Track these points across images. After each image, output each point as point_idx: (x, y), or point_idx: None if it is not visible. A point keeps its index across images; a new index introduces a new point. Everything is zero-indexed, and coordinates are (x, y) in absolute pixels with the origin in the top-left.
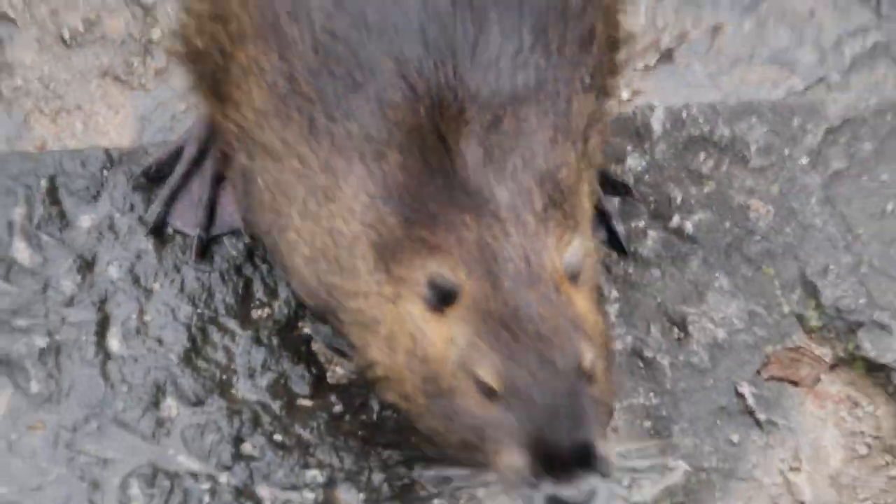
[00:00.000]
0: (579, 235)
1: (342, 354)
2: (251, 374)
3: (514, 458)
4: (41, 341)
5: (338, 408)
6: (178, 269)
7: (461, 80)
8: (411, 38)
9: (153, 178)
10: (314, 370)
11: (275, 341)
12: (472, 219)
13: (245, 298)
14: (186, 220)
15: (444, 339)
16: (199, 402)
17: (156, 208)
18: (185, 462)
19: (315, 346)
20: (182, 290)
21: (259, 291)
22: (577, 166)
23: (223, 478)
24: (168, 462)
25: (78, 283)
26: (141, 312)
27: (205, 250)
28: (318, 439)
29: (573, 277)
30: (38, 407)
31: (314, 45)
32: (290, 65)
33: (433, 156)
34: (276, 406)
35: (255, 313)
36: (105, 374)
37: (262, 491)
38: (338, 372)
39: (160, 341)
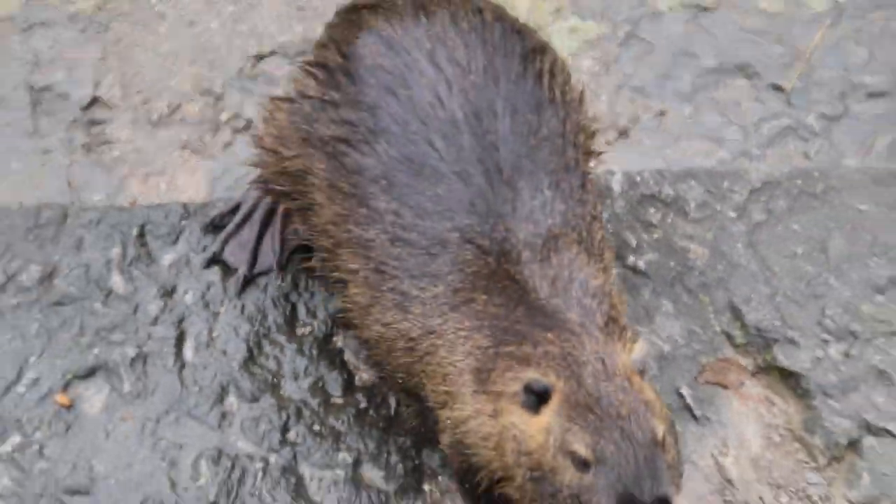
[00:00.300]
0: (641, 340)
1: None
2: (295, 378)
3: None
4: (132, 352)
5: (363, 404)
6: (238, 297)
7: (512, 233)
8: (465, 213)
9: (217, 225)
10: (345, 375)
11: (314, 352)
12: (554, 335)
13: (291, 319)
14: (236, 257)
15: (543, 430)
16: (254, 400)
17: (213, 246)
18: (244, 446)
19: (346, 357)
20: (242, 312)
21: (302, 314)
22: (608, 279)
23: (272, 459)
24: (230, 447)
25: (161, 307)
26: (210, 330)
27: (246, 284)
28: (348, 429)
29: (641, 373)
30: (129, 403)
31: (391, 239)
32: (375, 260)
33: (511, 292)
34: (314, 403)
35: (299, 330)
36: (181, 377)
37: (303, 469)
38: (364, 377)
39: (224, 352)
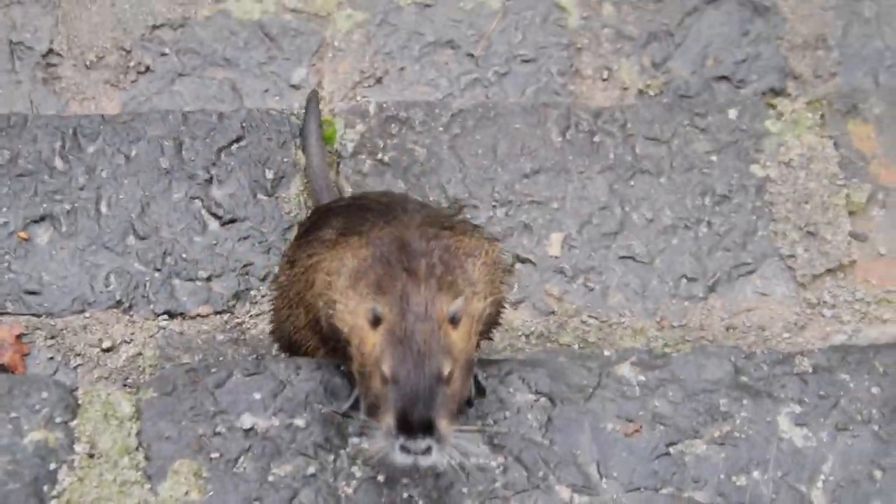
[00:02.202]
0: (462, 298)
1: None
2: (170, 225)
3: (388, 420)
4: (67, 206)
5: (217, 243)
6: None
7: (408, 229)
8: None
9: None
10: (203, 225)
11: (184, 207)
12: (406, 277)
13: (169, 188)
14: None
15: (373, 343)
16: (145, 238)
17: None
18: (138, 266)
19: (204, 213)
20: (138, 184)
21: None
22: (463, 261)
23: (156, 274)
24: (129, 266)
25: (87, 178)
26: (118, 193)
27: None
28: (208, 255)
29: (453, 320)
30: (65, 238)
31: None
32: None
33: (393, 245)
34: (184, 241)
35: (175, 196)
36: (99, 223)
37: (175, 281)
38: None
39: (126, 208)
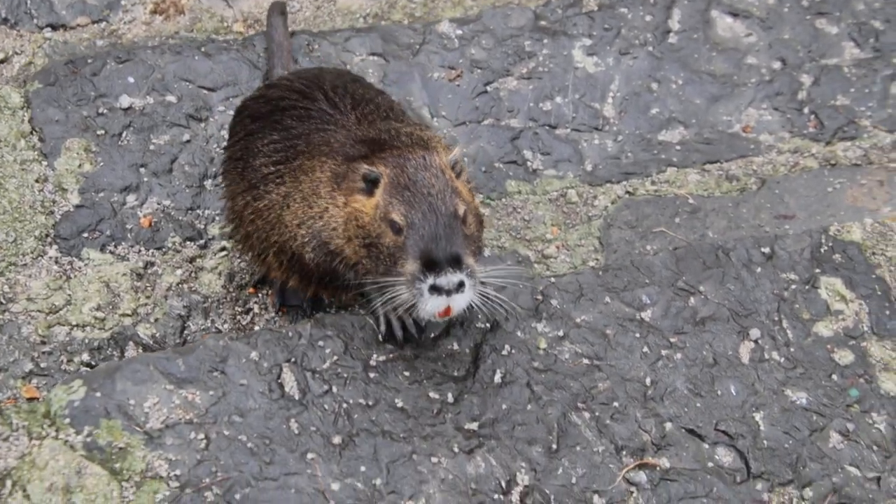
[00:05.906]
0: (456, 151)
1: None
2: None
3: (411, 266)
4: None
5: None
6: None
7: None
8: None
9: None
10: None
11: None
12: (389, 149)
13: None
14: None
15: (373, 206)
16: None
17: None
18: None
19: None
20: None
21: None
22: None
23: None
24: None
25: None
26: None
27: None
28: None
29: (453, 168)
30: None
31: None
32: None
33: (360, 144)
34: None
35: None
36: None
37: None
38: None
39: None
